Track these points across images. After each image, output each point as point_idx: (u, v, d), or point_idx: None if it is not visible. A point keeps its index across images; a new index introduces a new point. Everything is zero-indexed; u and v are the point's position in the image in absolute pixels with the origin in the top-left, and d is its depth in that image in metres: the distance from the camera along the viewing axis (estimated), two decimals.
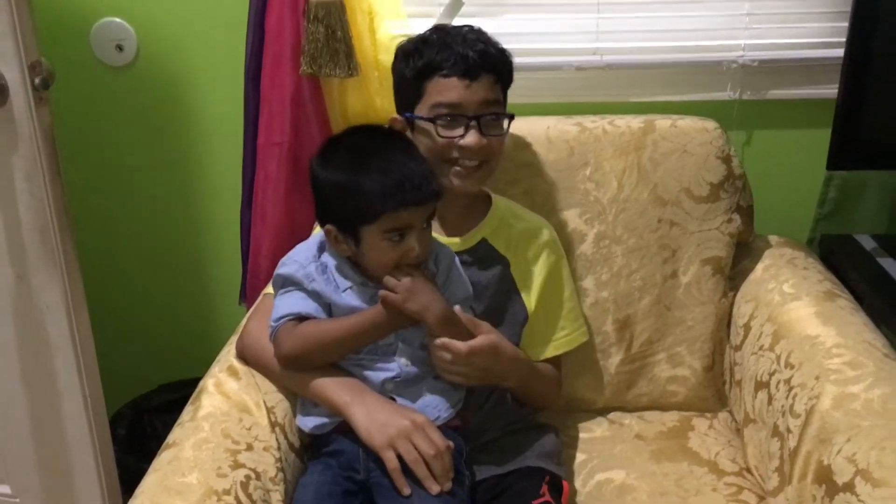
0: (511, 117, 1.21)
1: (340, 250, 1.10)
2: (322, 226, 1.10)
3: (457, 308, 1.10)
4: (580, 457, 1.28)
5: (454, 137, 1.15)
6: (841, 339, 1.17)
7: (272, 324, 1.11)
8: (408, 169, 1.04)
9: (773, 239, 1.47)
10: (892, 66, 1.35)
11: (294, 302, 1.10)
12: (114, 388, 1.47)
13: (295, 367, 1.11)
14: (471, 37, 1.17)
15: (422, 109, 1.17)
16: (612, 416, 1.39)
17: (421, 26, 1.33)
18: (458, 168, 1.17)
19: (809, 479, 1.04)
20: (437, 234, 1.21)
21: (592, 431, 1.35)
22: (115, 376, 1.50)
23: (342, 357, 1.11)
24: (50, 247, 1.21)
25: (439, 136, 1.15)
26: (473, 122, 1.15)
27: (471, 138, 1.15)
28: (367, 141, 1.10)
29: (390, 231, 1.05)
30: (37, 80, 1.17)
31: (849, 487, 0.96)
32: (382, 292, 1.06)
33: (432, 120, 1.15)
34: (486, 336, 1.10)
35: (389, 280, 1.06)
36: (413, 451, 1.02)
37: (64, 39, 1.51)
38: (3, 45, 1.13)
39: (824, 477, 1.01)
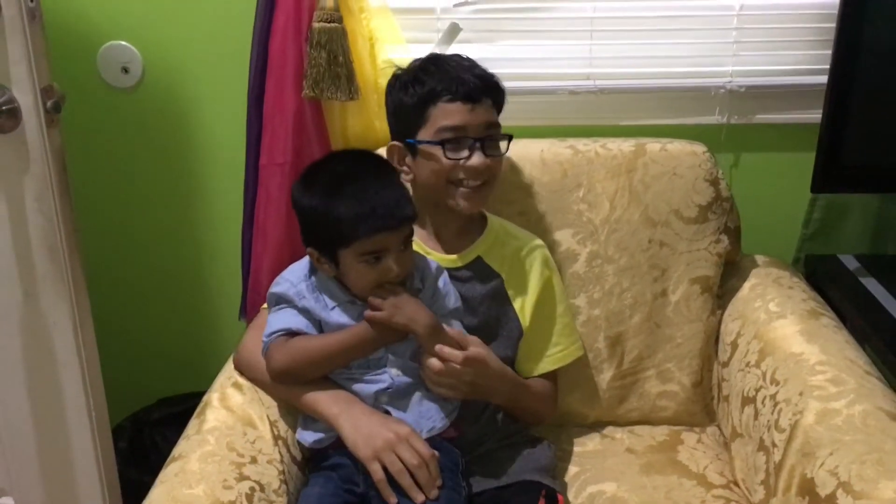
0: (510, 138, 1.26)
1: (324, 271, 1.14)
2: (306, 248, 1.15)
3: (453, 323, 1.14)
4: (573, 469, 1.31)
5: (460, 159, 1.20)
6: (824, 356, 1.21)
7: (264, 339, 1.15)
8: (380, 195, 1.09)
9: (759, 259, 1.51)
10: (874, 92, 1.39)
11: (285, 318, 1.14)
12: (115, 401, 1.49)
13: (286, 380, 1.15)
14: (466, 64, 1.23)
15: (426, 134, 1.21)
16: (603, 430, 1.42)
17: (420, 52, 1.38)
18: (464, 189, 1.22)
19: (793, 491, 1.08)
20: (433, 252, 1.26)
21: (585, 445, 1.38)
22: (116, 390, 1.53)
23: (331, 371, 1.14)
24: (58, 265, 1.24)
25: (446, 158, 1.19)
26: (477, 144, 1.20)
27: (476, 159, 1.20)
28: (343, 167, 1.14)
29: (366, 254, 1.09)
30: (49, 104, 1.20)
31: (831, 499, 1.00)
32: (367, 312, 1.10)
33: (440, 143, 1.20)
34: (477, 350, 1.14)
35: (374, 300, 1.10)
36: (397, 462, 1.05)
37: (71, 62, 1.54)
38: (17, 70, 1.17)
39: (807, 490, 1.05)
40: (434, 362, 1.10)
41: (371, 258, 1.09)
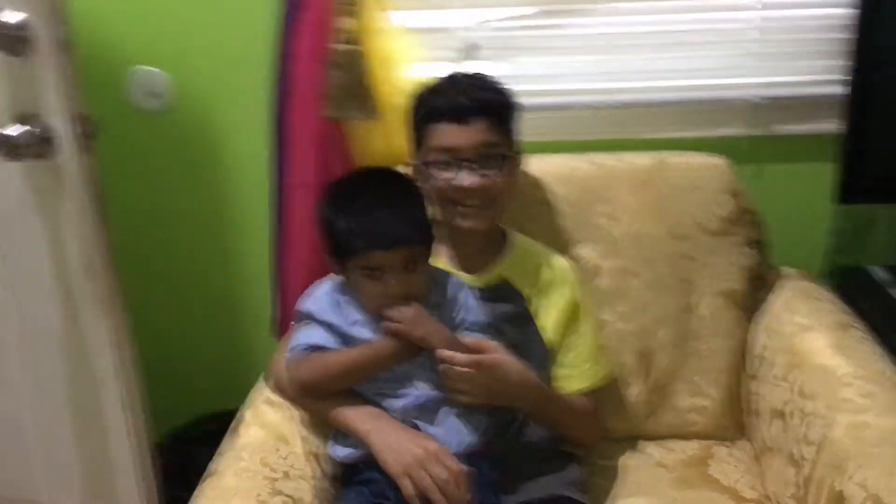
0: (507, 157, 1.24)
1: (343, 280, 1.17)
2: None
3: (468, 336, 1.15)
4: (603, 484, 1.31)
5: (449, 179, 1.21)
6: (852, 368, 1.21)
7: (287, 355, 1.18)
8: (381, 213, 1.11)
9: (787, 271, 1.51)
10: (889, 104, 1.39)
11: (308, 334, 1.17)
12: (154, 419, 1.52)
13: (308, 394, 1.18)
14: (469, 83, 1.24)
15: (423, 154, 1.24)
16: (634, 444, 1.41)
17: (439, 71, 1.40)
18: (461, 208, 1.23)
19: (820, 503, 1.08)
20: (456, 271, 1.27)
21: (615, 460, 1.38)
22: (155, 408, 1.56)
23: (352, 385, 1.16)
24: (97, 286, 1.27)
25: (435, 178, 1.21)
26: (466, 164, 1.20)
27: (465, 179, 1.20)
28: (359, 184, 1.18)
29: (365, 269, 1.11)
30: (82, 130, 1.24)
31: None
32: (385, 323, 1.12)
33: (430, 164, 1.22)
34: (490, 355, 1.14)
35: (392, 312, 1.11)
36: (427, 478, 1.06)
37: (103, 87, 1.58)
38: (52, 99, 1.20)
39: (837, 502, 1.05)
40: (444, 368, 1.12)
41: (371, 273, 1.11)
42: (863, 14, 1.36)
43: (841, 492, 1.05)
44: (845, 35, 1.45)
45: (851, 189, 1.41)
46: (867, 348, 1.27)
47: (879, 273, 1.55)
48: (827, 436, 1.12)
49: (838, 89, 1.45)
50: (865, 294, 1.49)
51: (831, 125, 1.50)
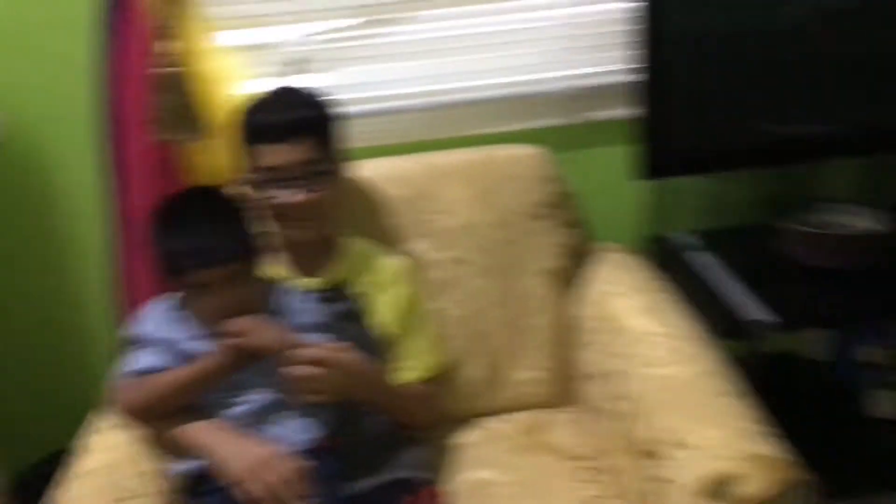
0: (330, 172, 1.27)
1: (180, 298, 1.19)
2: None
3: (312, 337, 1.20)
4: (451, 461, 1.38)
5: (277, 197, 1.24)
6: (662, 328, 1.33)
7: (120, 379, 1.18)
8: (202, 232, 1.14)
9: (605, 245, 1.63)
10: (681, 85, 1.53)
11: (142, 356, 1.18)
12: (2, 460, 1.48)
13: (144, 417, 1.18)
14: (290, 101, 1.28)
15: (251, 172, 1.27)
16: (474, 421, 1.48)
17: (266, 87, 1.44)
18: (291, 222, 1.27)
19: (643, 454, 1.18)
20: (293, 277, 1.31)
21: (457, 437, 1.44)
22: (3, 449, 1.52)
23: (189, 401, 1.18)
24: None
25: (263, 196, 1.25)
26: (291, 182, 1.23)
27: (290, 197, 1.23)
28: (180, 203, 1.20)
29: (191, 286, 1.14)
30: None
31: (667, 454, 1.12)
32: (222, 341, 1.14)
33: (255, 183, 1.25)
34: (344, 352, 1.19)
35: (230, 326, 1.14)
36: (262, 483, 1.10)
37: None
38: None
39: (652, 451, 1.16)
40: (300, 368, 1.15)
41: (200, 290, 1.14)
42: (649, 5, 1.48)
43: (654, 439, 1.16)
44: (637, 26, 1.59)
45: (653, 165, 1.54)
46: (675, 309, 1.40)
47: (681, 239, 1.69)
48: (640, 390, 1.24)
49: (637, 76, 1.58)
50: (669, 259, 1.64)
51: (636, 109, 1.63)
